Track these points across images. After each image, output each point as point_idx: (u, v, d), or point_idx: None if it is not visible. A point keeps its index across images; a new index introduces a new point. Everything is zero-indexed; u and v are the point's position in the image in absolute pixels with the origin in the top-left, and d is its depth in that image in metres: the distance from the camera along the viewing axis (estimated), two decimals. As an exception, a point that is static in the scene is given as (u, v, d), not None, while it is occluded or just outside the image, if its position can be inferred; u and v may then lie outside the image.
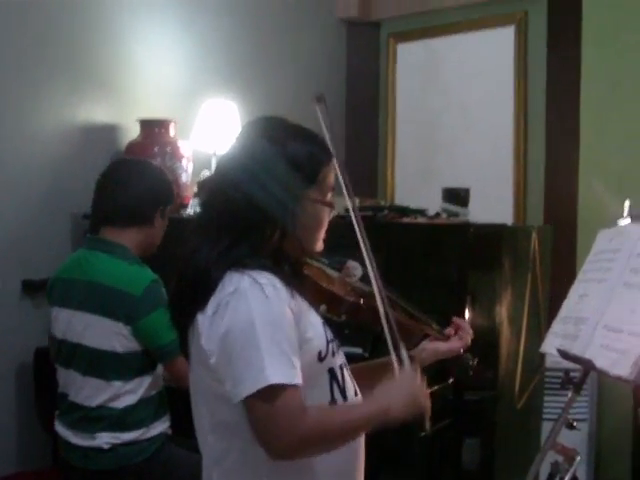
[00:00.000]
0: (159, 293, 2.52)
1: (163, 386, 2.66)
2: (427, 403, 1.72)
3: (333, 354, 1.70)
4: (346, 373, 1.75)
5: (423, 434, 1.78)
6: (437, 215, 3.25)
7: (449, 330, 1.99)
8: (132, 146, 3.54)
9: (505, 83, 4.22)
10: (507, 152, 4.20)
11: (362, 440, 1.76)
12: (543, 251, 3.40)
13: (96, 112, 3.58)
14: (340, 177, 1.82)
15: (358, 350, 2.84)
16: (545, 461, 2.05)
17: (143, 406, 2.55)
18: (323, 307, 1.80)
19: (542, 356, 3.26)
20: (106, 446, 2.51)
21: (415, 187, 4.49)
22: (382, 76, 4.76)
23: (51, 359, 2.76)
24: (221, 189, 1.69)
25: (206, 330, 1.59)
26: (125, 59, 3.68)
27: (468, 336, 1.95)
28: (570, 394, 2.09)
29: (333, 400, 1.68)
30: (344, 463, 1.70)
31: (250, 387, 1.51)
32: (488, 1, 4.25)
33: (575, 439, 3.10)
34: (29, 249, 3.33)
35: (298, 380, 1.54)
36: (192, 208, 3.40)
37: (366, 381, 1.77)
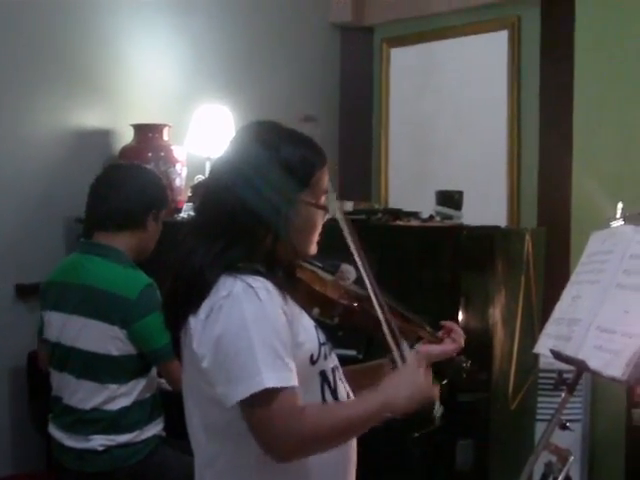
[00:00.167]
0: (154, 297, 2.52)
1: (157, 388, 2.67)
2: (434, 393, 1.72)
3: (325, 357, 1.71)
4: (338, 376, 1.75)
5: (433, 424, 1.77)
6: (431, 218, 3.26)
7: (441, 333, 2.00)
8: (126, 151, 3.55)
9: (498, 87, 4.23)
10: (500, 155, 4.21)
11: (354, 441, 1.76)
12: (536, 253, 3.41)
13: (90, 117, 3.59)
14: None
15: (352, 352, 2.84)
16: (539, 461, 2.06)
17: (137, 408, 2.56)
18: (316, 310, 1.81)
19: (536, 357, 3.27)
20: (100, 448, 2.52)
21: (409, 190, 4.50)
22: (376, 80, 4.77)
23: (40, 363, 2.76)
24: (215, 193, 1.70)
25: (198, 334, 1.60)
26: (119, 64, 3.68)
27: (461, 338, 1.95)
28: (563, 395, 2.10)
29: (324, 402, 1.69)
30: (335, 464, 1.71)
31: (244, 391, 1.52)
32: (481, 6, 4.25)
33: (569, 439, 3.11)
34: (23, 253, 3.33)
35: (294, 382, 1.55)
36: (186, 212, 3.41)
37: (360, 383, 1.78)
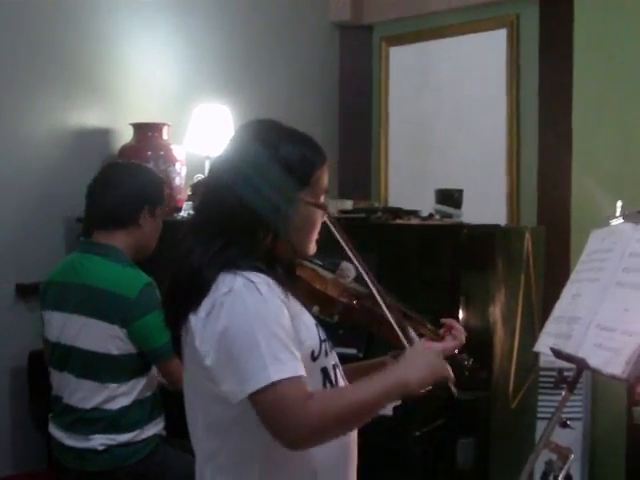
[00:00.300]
0: (153, 295, 2.53)
1: (157, 387, 2.67)
2: (448, 368, 1.72)
3: (326, 354, 1.71)
4: (339, 373, 1.76)
5: (454, 398, 1.77)
6: (430, 216, 3.26)
7: (442, 331, 2.00)
8: (125, 150, 3.55)
9: (498, 86, 4.23)
10: (500, 153, 4.21)
11: (354, 436, 1.77)
12: (536, 251, 3.41)
13: (89, 116, 3.59)
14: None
15: (352, 351, 2.84)
16: (539, 460, 2.06)
17: (137, 407, 2.56)
18: (316, 308, 1.81)
19: (536, 355, 3.27)
20: (101, 447, 2.52)
21: (408, 189, 4.50)
22: (375, 79, 4.78)
23: (45, 362, 2.76)
24: (214, 192, 1.71)
25: (200, 331, 1.60)
26: (118, 63, 3.68)
27: (462, 335, 1.95)
28: (564, 393, 2.10)
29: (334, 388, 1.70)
30: (336, 458, 1.71)
31: (253, 385, 1.51)
32: (480, 4, 4.26)
33: (569, 438, 3.11)
34: (23, 253, 3.33)
35: (301, 371, 1.55)
36: (185, 211, 3.41)
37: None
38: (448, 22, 4.41)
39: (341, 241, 1.81)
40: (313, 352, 1.67)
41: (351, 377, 1.80)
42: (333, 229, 1.80)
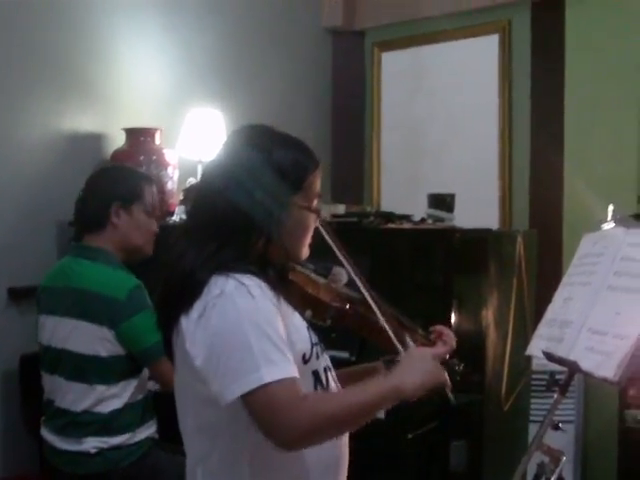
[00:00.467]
0: (142, 298, 2.54)
1: (149, 391, 2.67)
2: (444, 374, 1.72)
3: (317, 357, 1.72)
4: (330, 376, 1.76)
5: (450, 404, 1.77)
6: (423, 221, 3.26)
7: (433, 337, 2.00)
8: (118, 154, 3.54)
9: (490, 90, 4.24)
10: (492, 158, 4.22)
11: (346, 438, 1.77)
12: (529, 255, 3.42)
13: (82, 121, 3.58)
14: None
15: (345, 354, 2.85)
16: (531, 462, 2.07)
17: (129, 411, 2.56)
18: (308, 312, 1.81)
19: (528, 359, 3.28)
20: (93, 450, 2.52)
21: (401, 193, 4.51)
22: (367, 84, 4.78)
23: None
24: (207, 196, 1.71)
25: (191, 333, 1.60)
26: (111, 67, 3.68)
27: (452, 340, 1.95)
28: (556, 396, 2.11)
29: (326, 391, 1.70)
30: (326, 461, 1.71)
31: (246, 386, 1.51)
32: (472, 10, 4.27)
33: (562, 440, 3.12)
34: (15, 256, 3.32)
35: (293, 372, 1.55)
36: (178, 215, 3.41)
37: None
38: (440, 27, 4.42)
39: (333, 246, 1.81)
40: (304, 355, 1.67)
41: (344, 381, 1.80)
42: (325, 234, 1.81)
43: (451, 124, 4.38)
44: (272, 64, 4.44)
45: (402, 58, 4.61)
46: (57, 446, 2.59)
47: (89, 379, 2.54)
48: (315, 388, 1.70)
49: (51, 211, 3.41)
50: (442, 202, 3.24)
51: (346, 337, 2.74)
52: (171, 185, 3.58)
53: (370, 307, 1.81)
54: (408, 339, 1.78)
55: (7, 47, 3.30)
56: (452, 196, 3.26)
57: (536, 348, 2.18)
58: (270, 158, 1.69)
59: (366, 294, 1.81)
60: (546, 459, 2.02)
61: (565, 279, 2.27)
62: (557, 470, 1.96)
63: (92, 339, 2.54)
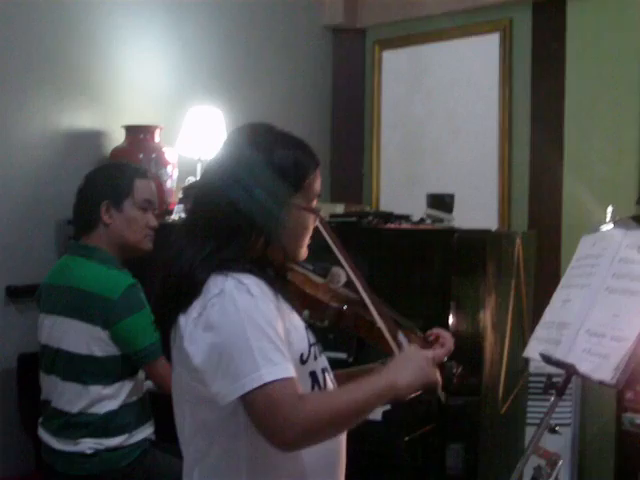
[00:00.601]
0: (137, 297, 2.53)
1: (146, 392, 2.67)
2: (437, 374, 1.72)
3: (315, 357, 1.72)
4: (328, 377, 1.76)
5: (442, 402, 1.77)
6: (422, 221, 3.26)
7: (431, 339, 1.99)
8: (117, 152, 3.54)
9: (490, 90, 4.24)
10: (492, 158, 4.22)
11: (343, 439, 1.77)
12: (527, 257, 3.42)
13: (81, 118, 3.58)
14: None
15: (342, 355, 2.84)
16: (528, 465, 2.07)
17: (125, 412, 2.56)
18: (306, 312, 1.81)
19: (526, 361, 3.27)
20: (89, 451, 2.51)
21: (400, 193, 4.51)
22: (368, 83, 4.78)
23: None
24: (207, 195, 1.71)
25: (189, 332, 1.60)
26: (110, 65, 3.67)
27: (450, 342, 1.95)
28: (553, 399, 2.11)
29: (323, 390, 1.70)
30: (324, 461, 1.71)
31: (246, 386, 1.51)
32: (473, 8, 4.27)
33: (559, 443, 3.12)
34: (13, 255, 3.31)
35: (292, 372, 1.55)
36: (177, 214, 3.40)
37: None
38: (441, 26, 4.41)
39: (333, 246, 1.81)
40: (302, 355, 1.67)
41: (342, 383, 1.79)
42: (325, 234, 1.80)
43: (451, 123, 4.38)
44: (272, 62, 4.43)
45: (403, 56, 4.61)
46: (54, 447, 2.58)
47: (84, 379, 2.53)
48: (312, 389, 1.70)
49: (50, 209, 3.40)
50: (441, 202, 3.23)
51: (344, 338, 2.75)
52: (170, 184, 3.57)
53: (368, 308, 1.81)
54: (403, 339, 1.78)
55: (6, 45, 3.29)
56: (451, 196, 3.25)
57: (534, 350, 2.18)
58: (271, 158, 1.69)
59: (364, 295, 1.81)
60: (543, 462, 2.02)
61: (563, 281, 2.27)
62: (554, 473, 1.97)
63: (86, 339, 2.53)
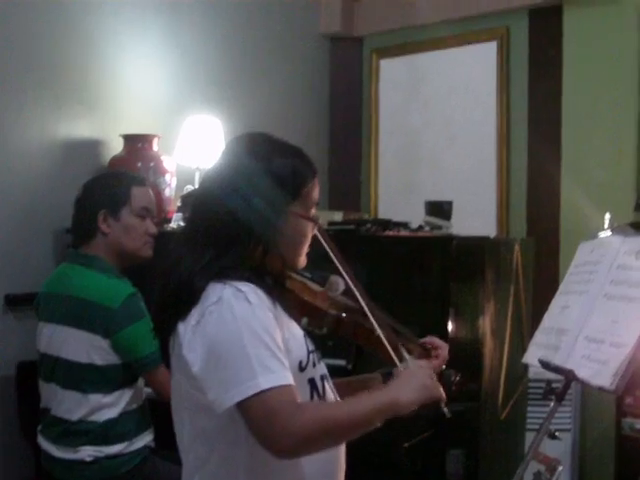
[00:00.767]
0: (137, 306, 2.53)
1: (145, 399, 2.67)
2: (440, 390, 1.72)
3: (314, 365, 1.72)
4: (327, 384, 1.76)
5: (446, 417, 1.76)
6: (420, 228, 3.26)
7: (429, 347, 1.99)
8: (115, 161, 3.54)
9: (487, 98, 4.25)
10: (490, 165, 4.22)
11: (343, 447, 1.76)
12: (526, 263, 3.43)
13: (79, 127, 3.58)
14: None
15: (342, 362, 2.84)
16: (528, 471, 2.07)
17: (125, 420, 2.56)
18: (305, 320, 1.82)
19: (525, 367, 3.27)
20: (89, 459, 2.51)
21: (398, 200, 4.51)
22: (365, 91, 4.79)
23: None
24: (205, 204, 1.72)
25: (187, 339, 1.60)
26: (108, 74, 3.68)
27: (445, 351, 1.95)
28: (552, 404, 2.11)
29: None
30: (323, 469, 1.71)
31: (242, 393, 1.51)
32: (470, 17, 4.28)
33: (559, 449, 3.12)
34: (12, 263, 3.31)
35: (289, 380, 1.55)
36: (175, 222, 3.41)
37: (347, 396, 1.78)
38: (439, 34, 4.42)
39: (331, 255, 1.81)
40: (301, 362, 1.67)
41: (341, 391, 1.80)
42: (324, 242, 1.81)
43: (449, 131, 4.38)
44: (270, 71, 4.44)
45: (400, 65, 4.62)
46: (53, 454, 2.58)
47: (84, 388, 2.53)
48: (311, 396, 1.70)
49: (48, 218, 3.41)
50: (439, 209, 3.24)
51: (343, 345, 2.75)
52: (168, 192, 3.58)
53: (366, 316, 1.82)
54: (403, 349, 1.78)
55: (4, 52, 3.30)
56: (450, 203, 3.26)
57: (533, 356, 2.18)
58: (269, 166, 1.69)
59: (362, 303, 1.81)
60: (542, 468, 2.02)
61: (562, 287, 2.27)
62: (553, 479, 1.96)
63: (87, 347, 2.53)
